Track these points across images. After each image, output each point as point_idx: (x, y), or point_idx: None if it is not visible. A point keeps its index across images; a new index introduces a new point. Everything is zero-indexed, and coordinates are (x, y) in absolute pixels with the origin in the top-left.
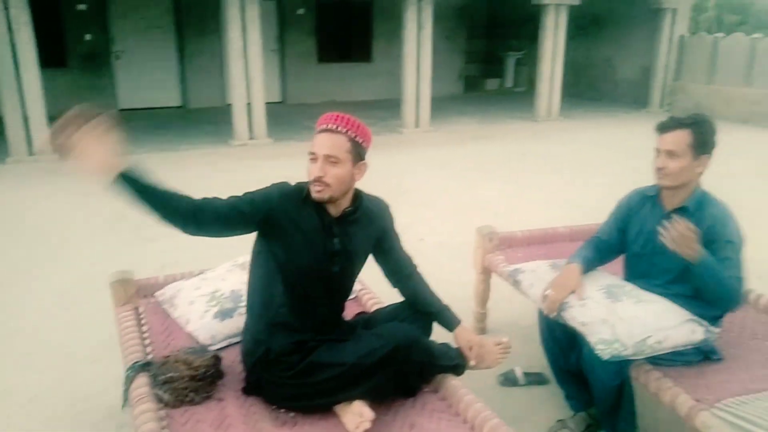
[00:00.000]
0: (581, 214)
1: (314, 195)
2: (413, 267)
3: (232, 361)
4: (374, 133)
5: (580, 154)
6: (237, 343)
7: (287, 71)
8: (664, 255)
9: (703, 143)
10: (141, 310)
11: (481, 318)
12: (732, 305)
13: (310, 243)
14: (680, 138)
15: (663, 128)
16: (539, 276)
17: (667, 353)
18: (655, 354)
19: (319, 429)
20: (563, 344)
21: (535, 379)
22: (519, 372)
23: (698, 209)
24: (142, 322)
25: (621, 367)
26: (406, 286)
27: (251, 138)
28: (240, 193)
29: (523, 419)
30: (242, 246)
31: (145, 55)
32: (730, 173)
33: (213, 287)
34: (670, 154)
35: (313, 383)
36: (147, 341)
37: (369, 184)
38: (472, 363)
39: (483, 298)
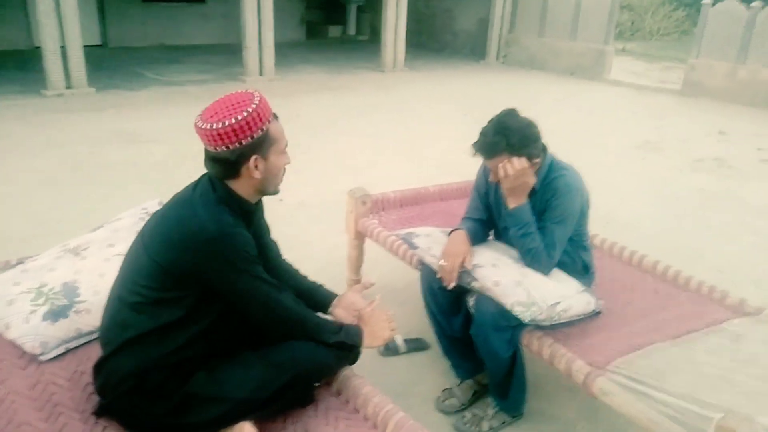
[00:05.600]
0: (436, 170)
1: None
2: (278, 249)
3: (73, 373)
4: (214, 81)
5: (430, 108)
6: (77, 347)
7: (107, 10)
8: None
9: (527, 155)
10: None
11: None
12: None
13: None
14: (502, 162)
15: (482, 155)
16: (435, 239)
17: None
18: (561, 322)
19: None
20: (446, 309)
21: (415, 346)
22: (399, 340)
23: (544, 185)
24: None
25: (513, 335)
26: (282, 272)
27: (68, 87)
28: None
29: (409, 392)
30: (74, 221)
31: None
32: (566, 122)
33: (38, 281)
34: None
35: (190, 424)
36: None
37: None
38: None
39: (357, 264)
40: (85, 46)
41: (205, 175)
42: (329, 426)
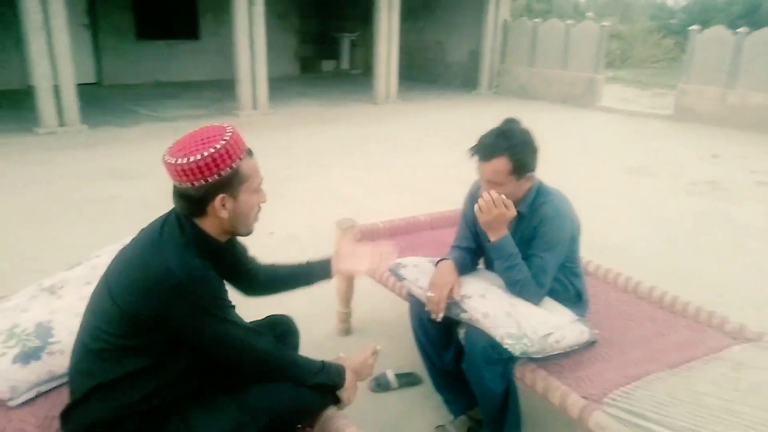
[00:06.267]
0: (429, 200)
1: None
2: (254, 259)
3: (44, 418)
4: (207, 116)
5: (421, 138)
6: (49, 391)
7: (102, 49)
8: None
9: (523, 166)
10: None
11: (345, 318)
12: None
13: None
14: (499, 167)
15: (480, 157)
16: (423, 269)
17: None
18: (553, 353)
19: None
20: (437, 343)
21: (407, 381)
22: (391, 375)
23: (531, 211)
24: None
25: (506, 369)
26: (263, 273)
27: (61, 125)
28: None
29: (401, 428)
30: (56, 257)
31: None
32: (559, 150)
33: (10, 322)
34: (492, 183)
35: None
36: None
37: None
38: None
39: (346, 296)
40: (80, 84)
41: (172, 211)
42: None
